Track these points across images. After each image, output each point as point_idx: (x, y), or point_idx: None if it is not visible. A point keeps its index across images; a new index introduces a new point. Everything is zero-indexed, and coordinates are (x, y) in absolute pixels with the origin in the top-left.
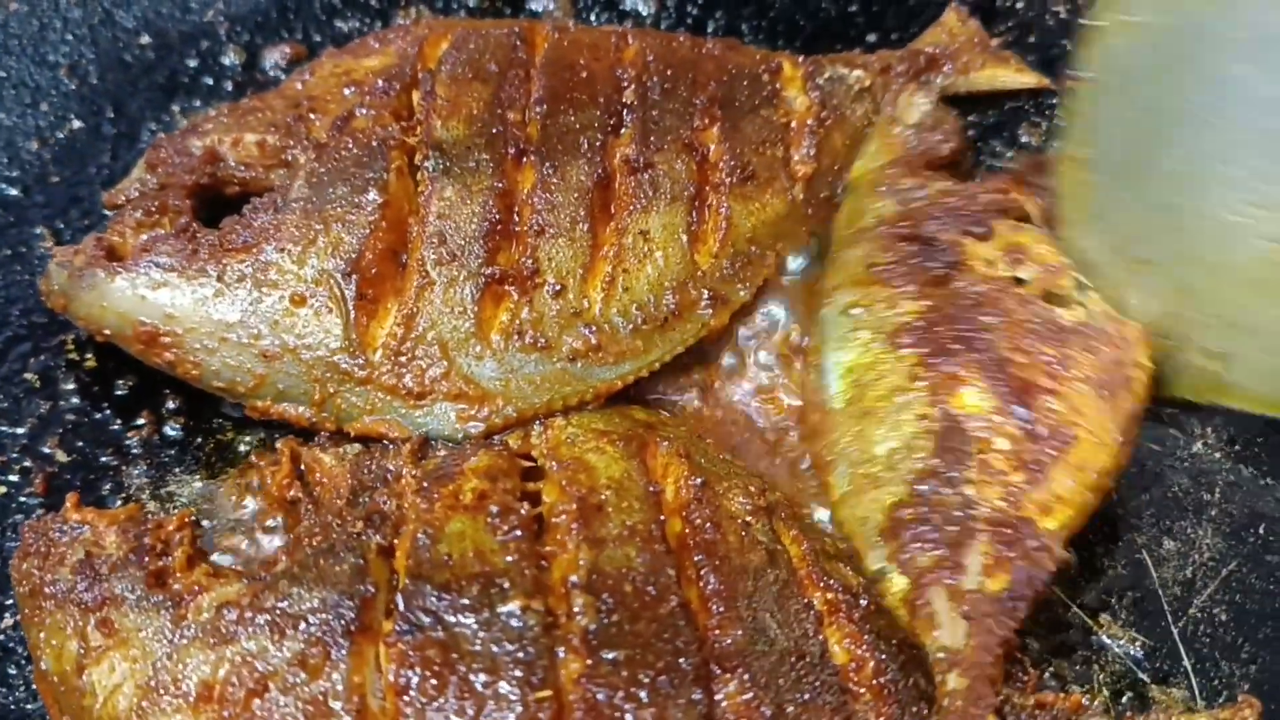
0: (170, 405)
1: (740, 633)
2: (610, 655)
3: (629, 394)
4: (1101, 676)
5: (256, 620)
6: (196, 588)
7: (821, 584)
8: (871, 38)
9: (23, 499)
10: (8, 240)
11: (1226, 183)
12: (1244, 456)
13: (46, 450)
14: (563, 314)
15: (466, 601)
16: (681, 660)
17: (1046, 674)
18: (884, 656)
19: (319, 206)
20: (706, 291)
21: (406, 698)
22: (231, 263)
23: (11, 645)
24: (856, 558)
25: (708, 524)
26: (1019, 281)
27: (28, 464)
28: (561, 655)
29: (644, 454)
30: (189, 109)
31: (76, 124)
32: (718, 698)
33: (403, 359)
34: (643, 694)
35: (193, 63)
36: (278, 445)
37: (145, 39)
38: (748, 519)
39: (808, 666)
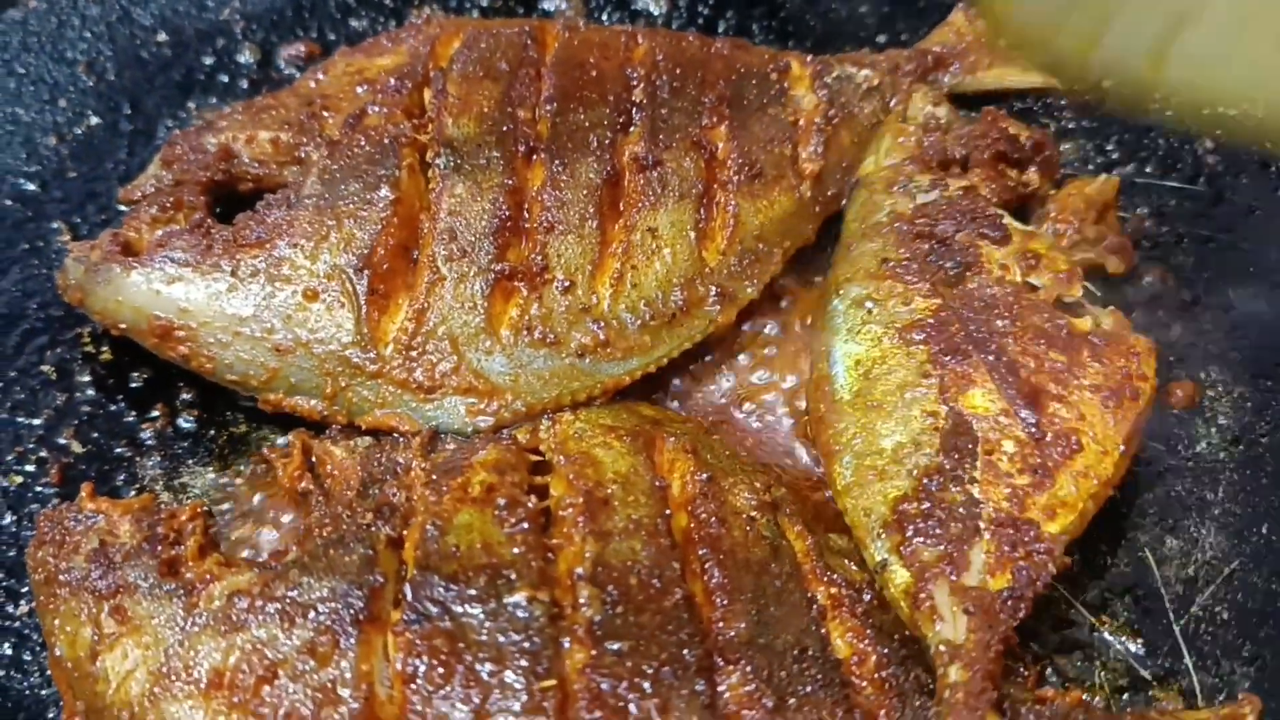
0: (184, 398)
1: (744, 625)
2: (614, 646)
3: (638, 390)
4: (1103, 674)
5: (267, 609)
6: (208, 576)
7: (825, 579)
8: (881, 39)
9: (39, 489)
10: (25, 235)
11: None
12: (1247, 457)
13: (62, 441)
14: (571, 310)
15: (473, 592)
16: (685, 652)
17: (1048, 670)
18: (886, 651)
19: (331, 203)
20: (714, 288)
21: (414, 686)
22: (245, 258)
23: (27, 632)
24: (861, 546)
25: (713, 519)
26: (1032, 287)
27: (44, 455)
28: (566, 646)
29: (651, 449)
30: (205, 106)
31: (94, 120)
32: (720, 689)
33: (413, 353)
34: (646, 684)
35: (208, 60)
36: (289, 438)
37: (162, 36)
38: (753, 514)
39: (810, 660)
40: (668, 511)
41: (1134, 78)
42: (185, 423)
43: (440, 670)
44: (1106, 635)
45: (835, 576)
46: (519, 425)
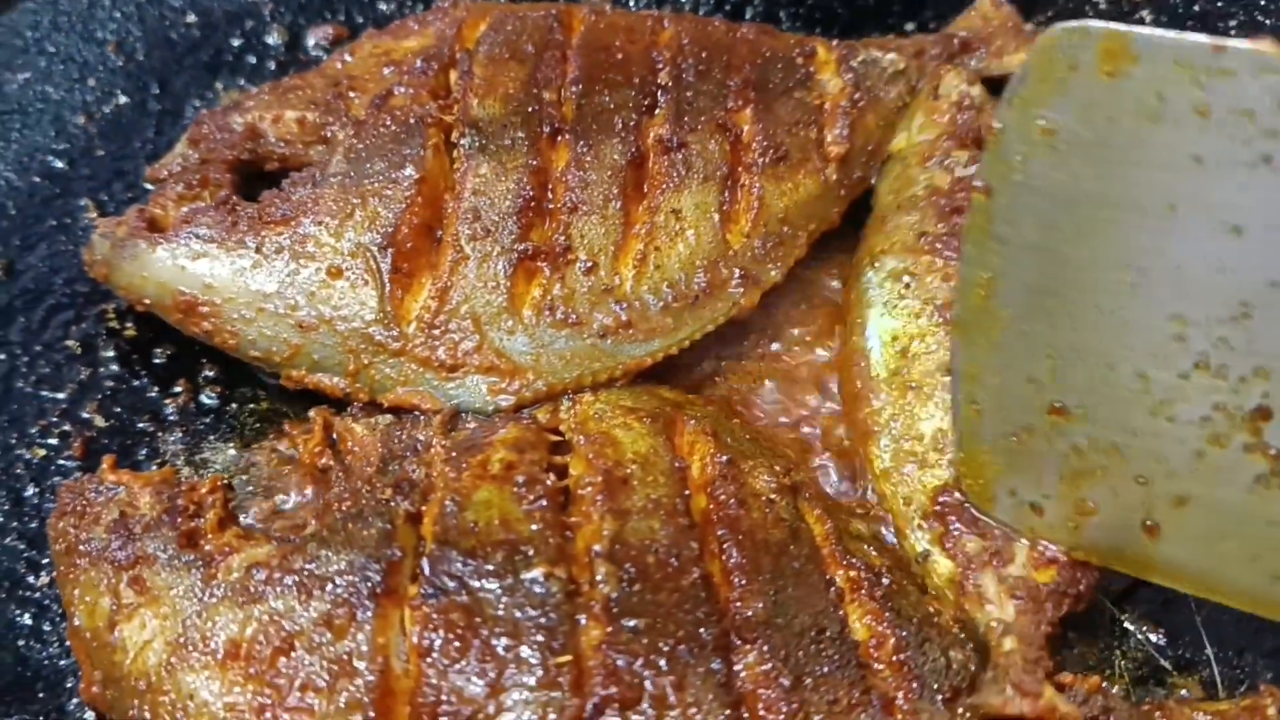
0: (207, 374)
1: (761, 606)
2: (631, 623)
3: (660, 372)
4: (1123, 662)
5: (285, 581)
6: (227, 549)
7: (844, 562)
8: (909, 26)
9: (61, 462)
10: (53, 211)
11: (1152, 328)
12: None
13: (86, 415)
14: (594, 290)
15: (491, 567)
16: (702, 630)
17: (1068, 657)
18: (905, 634)
19: (356, 181)
20: (738, 270)
21: (429, 659)
22: (270, 235)
23: (47, 603)
24: (898, 534)
25: (732, 500)
26: None
27: (67, 428)
28: (583, 622)
29: (671, 431)
30: (232, 86)
31: (122, 99)
32: (737, 668)
33: (436, 332)
34: (662, 661)
35: (236, 41)
36: (311, 414)
37: (191, 17)
38: (772, 496)
39: (827, 641)
40: (687, 492)
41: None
42: (208, 399)
43: (456, 644)
44: (1127, 624)
45: (854, 560)
46: (540, 405)
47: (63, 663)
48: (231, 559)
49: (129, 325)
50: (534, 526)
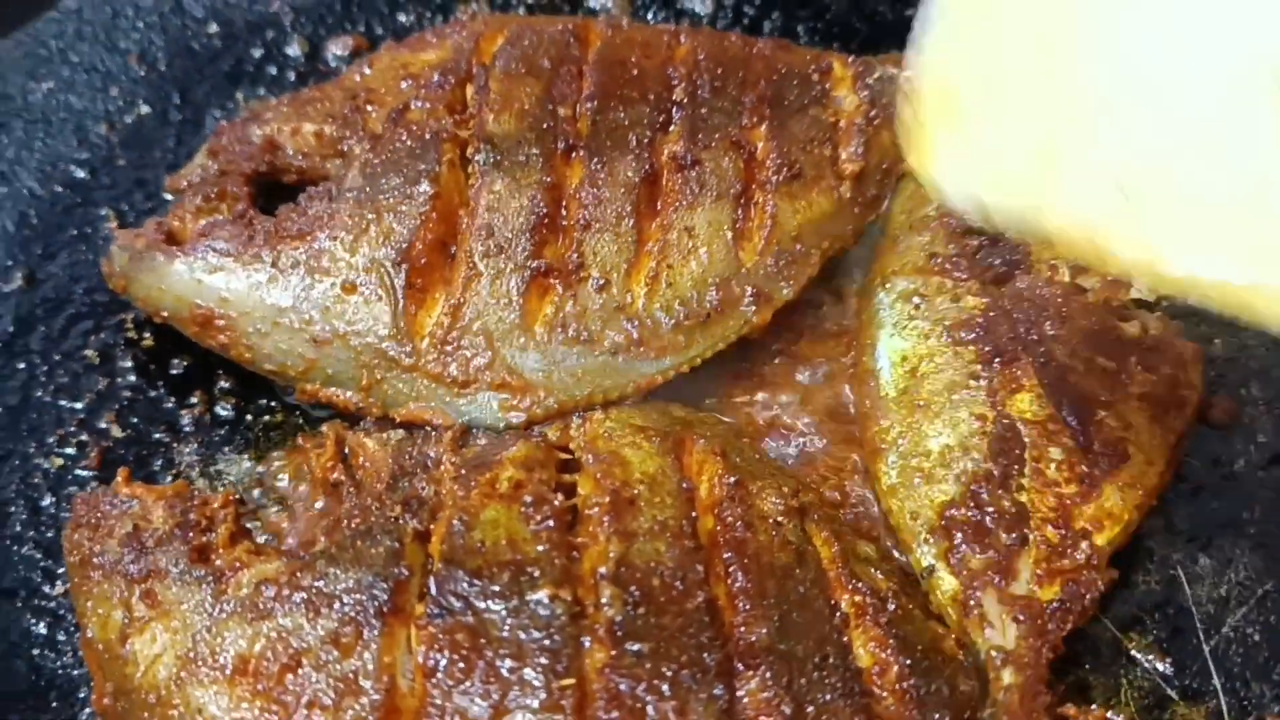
0: (223, 385)
1: (765, 631)
2: (635, 647)
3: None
4: (1129, 691)
5: (293, 598)
6: (237, 564)
7: (850, 586)
8: None
9: (78, 471)
10: (74, 220)
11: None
12: None
13: (103, 425)
14: (606, 308)
15: (497, 588)
16: (705, 655)
17: (1074, 685)
18: (908, 661)
19: (372, 196)
20: (750, 288)
21: (434, 679)
22: (286, 249)
23: (62, 612)
24: (904, 549)
25: (739, 522)
26: (1080, 289)
27: (84, 438)
28: (587, 645)
29: (680, 451)
30: (252, 97)
31: (144, 109)
32: (739, 694)
33: (449, 348)
34: (665, 687)
35: (257, 52)
36: (324, 429)
37: (213, 28)
38: (779, 519)
39: (831, 668)
40: (694, 514)
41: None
42: (223, 410)
43: (461, 665)
44: (1134, 652)
45: (860, 585)
46: (551, 423)
47: (76, 672)
48: (241, 574)
49: (146, 335)
50: (540, 547)
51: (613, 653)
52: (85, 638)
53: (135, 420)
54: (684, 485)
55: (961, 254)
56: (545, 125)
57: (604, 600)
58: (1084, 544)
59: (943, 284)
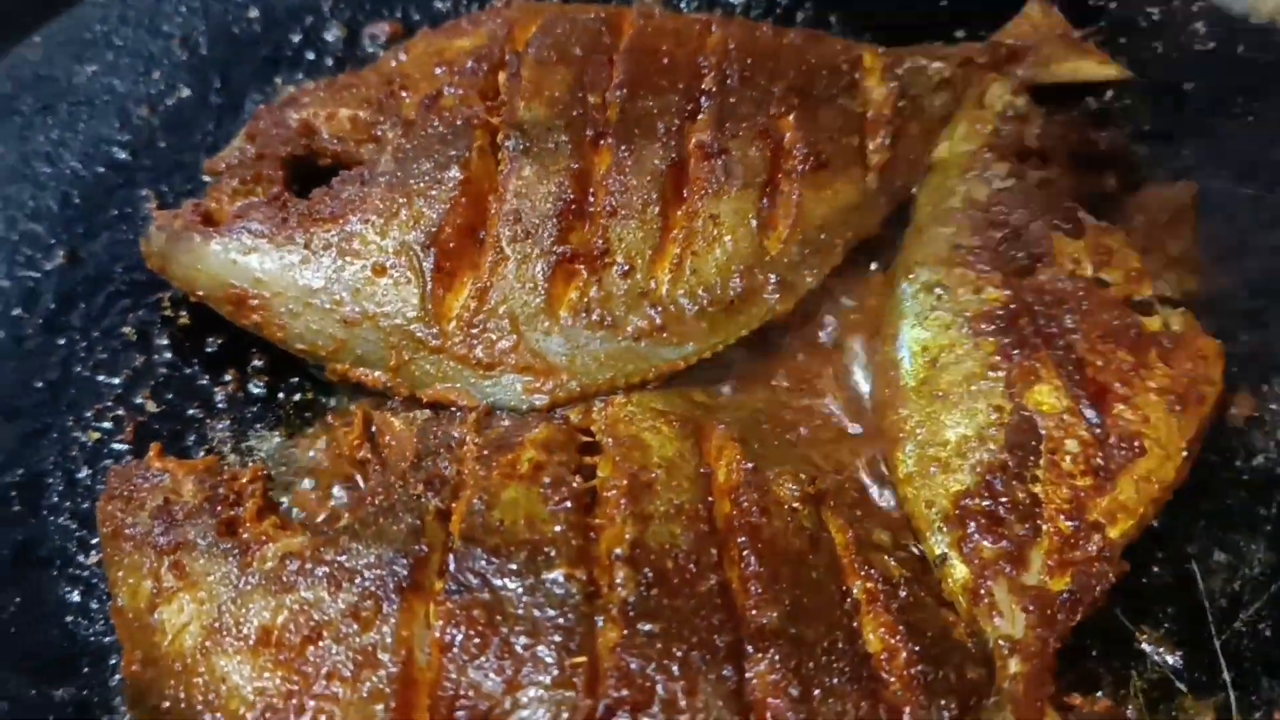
0: (256, 364)
1: (776, 615)
2: (647, 627)
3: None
4: (1138, 683)
5: (316, 572)
6: (264, 538)
7: (863, 573)
8: (960, 33)
9: (114, 445)
10: (115, 201)
11: None
12: None
13: (138, 401)
14: (630, 294)
15: (514, 566)
16: (716, 637)
17: (1083, 676)
18: (917, 648)
19: (403, 181)
20: (774, 277)
21: (450, 654)
22: (318, 232)
23: (95, 581)
24: (920, 537)
25: (754, 508)
26: (1103, 283)
27: (120, 413)
28: (600, 624)
29: (700, 436)
30: (291, 82)
31: (185, 92)
32: (748, 676)
33: (475, 331)
34: (675, 667)
35: (296, 37)
36: (352, 408)
37: (254, 13)
38: (795, 505)
39: (840, 652)
40: (710, 498)
41: None
42: (256, 388)
43: (477, 640)
44: (1144, 645)
45: (873, 571)
46: (573, 405)
47: (107, 640)
48: (267, 548)
49: (183, 314)
50: (558, 528)
51: (625, 632)
52: (116, 606)
53: (170, 396)
54: (702, 470)
55: (985, 246)
56: (575, 113)
57: (618, 581)
58: (1096, 536)
59: (965, 275)
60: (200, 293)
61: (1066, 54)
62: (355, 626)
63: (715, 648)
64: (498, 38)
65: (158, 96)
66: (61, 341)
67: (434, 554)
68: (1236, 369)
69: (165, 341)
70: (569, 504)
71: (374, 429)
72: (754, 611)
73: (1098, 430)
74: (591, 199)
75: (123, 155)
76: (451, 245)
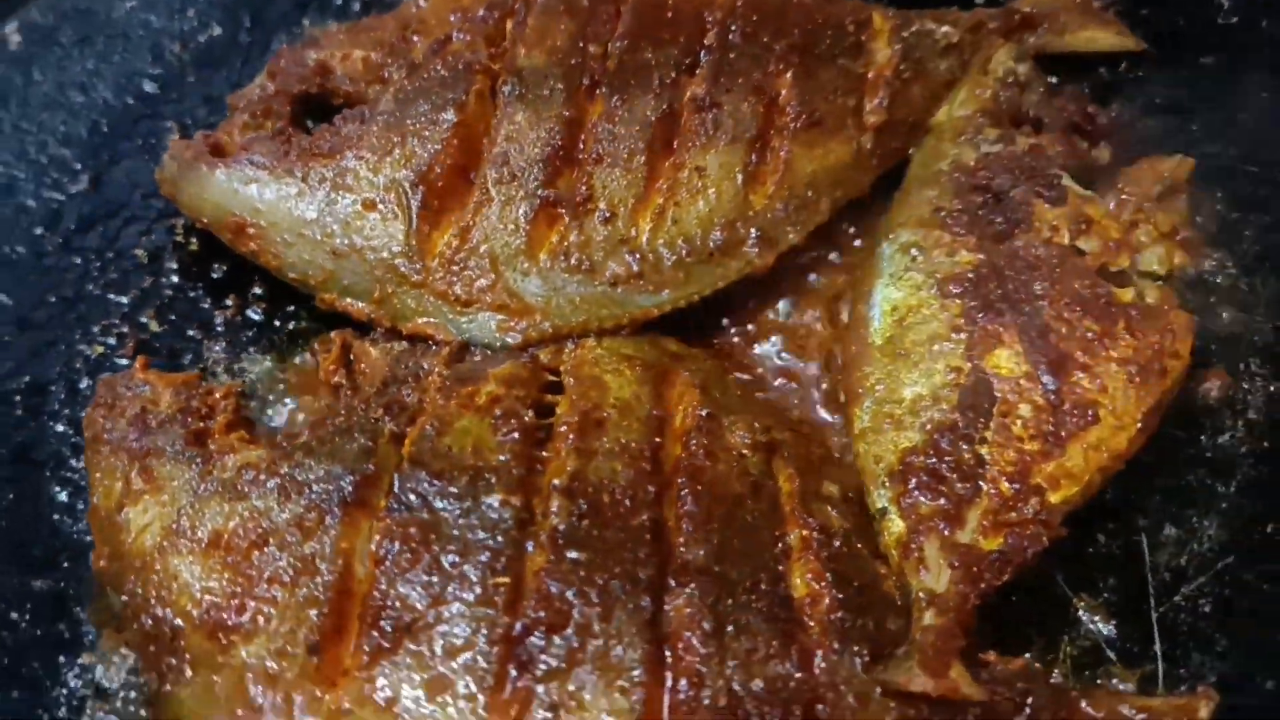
0: (256, 291)
1: (702, 552)
2: (574, 555)
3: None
4: (1068, 648)
5: (268, 483)
6: (228, 449)
7: (802, 521)
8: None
9: (116, 360)
10: (140, 131)
11: None
12: (1268, 454)
13: (143, 320)
14: (610, 240)
15: (455, 490)
16: (640, 570)
17: (1013, 638)
18: (840, 595)
19: (400, 121)
20: (755, 231)
21: (383, 568)
22: (315, 166)
23: (82, 484)
24: (865, 492)
25: (701, 451)
26: (1078, 251)
27: (124, 330)
28: (530, 549)
29: (663, 382)
30: (319, 24)
31: (216, 30)
32: (666, 609)
33: (455, 268)
34: (594, 594)
35: None
36: (332, 335)
37: None
38: (744, 451)
39: (761, 593)
40: (658, 440)
41: None
42: (254, 314)
43: (408, 556)
44: (1081, 613)
45: (812, 521)
46: (545, 345)
47: (87, 538)
48: (228, 459)
49: (193, 241)
50: (502, 457)
51: (551, 558)
52: (92, 505)
53: (173, 317)
54: (655, 413)
55: (965, 209)
56: (573, 61)
57: (553, 510)
58: (1035, 499)
59: (941, 237)
60: (205, 219)
61: (1083, 23)
62: (298, 535)
63: (637, 579)
64: None
65: (190, 33)
66: (77, 260)
67: (384, 475)
68: (1216, 347)
69: (174, 265)
70: (517, 435)
71: (351, 356)
72: (683, 549)
73: (1052, 396)
74: (581, 146)
75: (152, 88)
76: (441, 185)
